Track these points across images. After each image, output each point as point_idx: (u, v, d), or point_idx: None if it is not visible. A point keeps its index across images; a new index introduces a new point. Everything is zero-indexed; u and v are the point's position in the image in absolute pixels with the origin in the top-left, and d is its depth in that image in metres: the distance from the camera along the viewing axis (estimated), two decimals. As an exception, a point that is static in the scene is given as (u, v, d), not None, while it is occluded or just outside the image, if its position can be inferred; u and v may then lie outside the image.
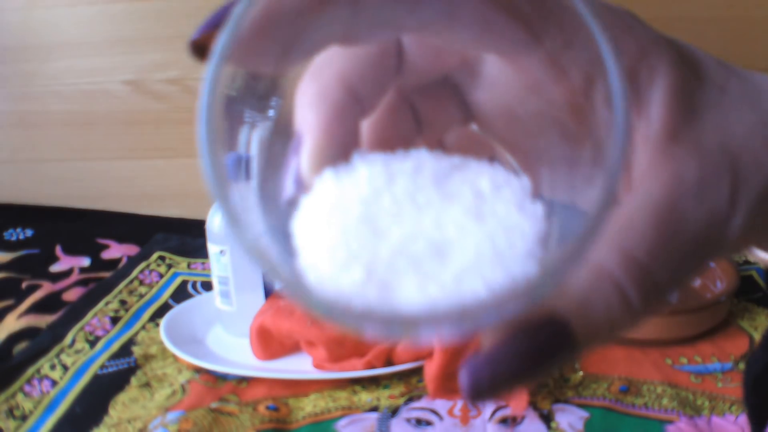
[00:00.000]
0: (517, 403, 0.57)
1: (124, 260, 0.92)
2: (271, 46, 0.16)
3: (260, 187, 0.18)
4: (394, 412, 0.58)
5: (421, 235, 0.15)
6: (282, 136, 0.18)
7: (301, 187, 0.18)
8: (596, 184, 0.15)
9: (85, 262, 0.92)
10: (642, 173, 0.18)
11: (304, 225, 0.16)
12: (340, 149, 0.18)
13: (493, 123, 0.21)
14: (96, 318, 0.75)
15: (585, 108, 0.17)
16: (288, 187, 0.18)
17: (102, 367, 0.66)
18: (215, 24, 0.16)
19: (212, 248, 0.68)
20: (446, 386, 0.59)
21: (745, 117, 0.19)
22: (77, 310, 0.77)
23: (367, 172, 0.16)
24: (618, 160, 0.14)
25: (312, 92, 0.18)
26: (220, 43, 0.14)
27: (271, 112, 0.18)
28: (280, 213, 0.17)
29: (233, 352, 0.67)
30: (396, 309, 0.14)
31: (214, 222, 0.68)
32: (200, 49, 0.17)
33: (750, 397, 0.36)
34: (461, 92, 0.21)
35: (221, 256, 0.68)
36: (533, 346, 0.16)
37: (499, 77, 0.20)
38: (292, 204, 0.17)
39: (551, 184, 0.19)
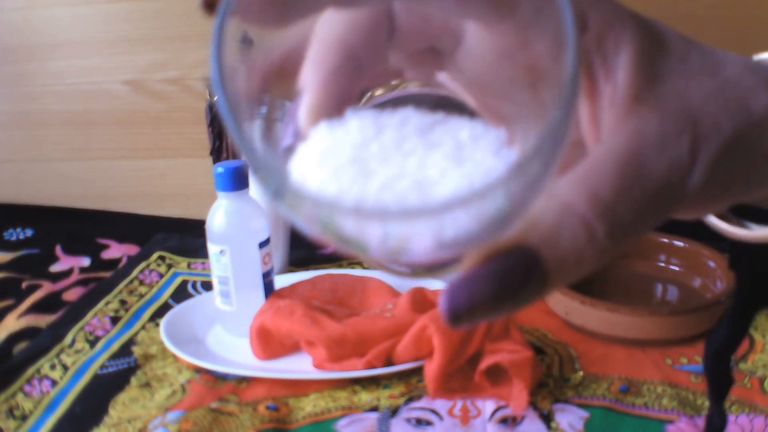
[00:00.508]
0: (517, 403, 0.57)
1: (124, 260, 0.92)
2: (272, 3, 0.18)
3: (263, 137, 0.20)
4: (394, 412, 0.58)
5: (405, 175, 0.17)
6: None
7: (299, 137, 0.19)
8: (561, 77, 0.16)
9: (85, 262, 0.92)
10: (608, 129, 0.20)
11: (298, 166, 0.18)
12: (336, 105, 0.20)
13: (469, 86, 0.23)
14: (96, 318, 0.75)
15: (552, 72, 0.18)
16: (287, 138, 0.19)
17: (102, 367, 0.66)
18: None
19: (212, 248, 0.68)
20: (446, 386, 0.59)
21: (705, 83, 0.20)
22: (77, 310, 0.77)
23: (358, 123, 0.18)
24: (575, 62, 0.16)
25: (314, 54, 0.20)
26: None
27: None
28: (279, 159, 0.19)
29: (233, 352, 0.67)
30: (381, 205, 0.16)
31: (214, 222, 0.68)
32: (210, 5, 0.19)
33: (710, 372, 0.37)
34: (443, 57, 0.23)
35: (221, 256, 0.68)
36: (505, 269, 0.17)
37: (478, 43, 0.21)
38: (290, 151, 0.18)
39: (523, 140, 0.21)
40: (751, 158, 0.21)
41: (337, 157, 0.17)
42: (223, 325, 0.71)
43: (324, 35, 0.20)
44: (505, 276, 0.17)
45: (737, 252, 0.31)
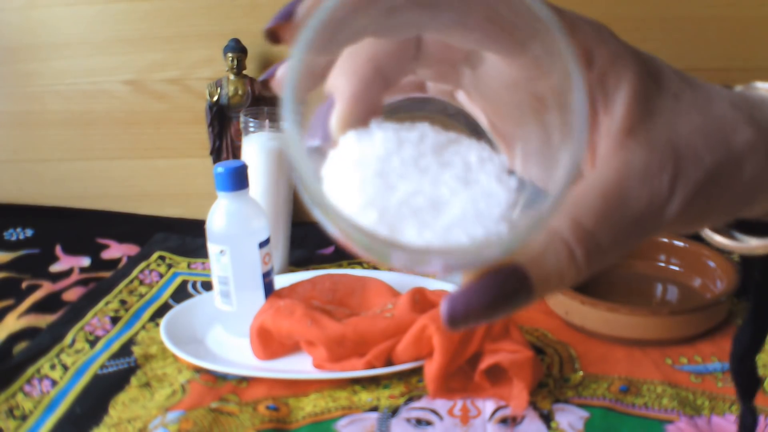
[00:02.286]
0: (517, 403, 0.57)
1: (124, 260, 0.92)
2: (330, 35, 0.21)
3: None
4: (394, 412, 0.58)
5: (421, 191, 0.20)
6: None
7: (328, 140, 0.22)
8: (560, 167, 0.19)
9: (85, 262, 0.92)
10: (601, 157, 0.23)
11: (332, 173, 0.20)
12: (364, 116, 0.22)
13: (481, 102, 0.26)
14: (96, 318, 0.75)
15: (559, 104, 0.21)
16: (314, 137, 0.22)
17: (102, 367, 0.66)
18: (286, 16, 0.22)
19: (212, 248, 0.69)
20: (446, 386, 0.59)
21: (693, 120, 0.23)
22: (77, 310, 0.77)
23: (382, 136, 0.21)
24: (577, 154, 0.19)
25: (346, 66, 0.23)
26: (306, 34, 0.19)
27: None
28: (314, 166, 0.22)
29: (233, 352, 0.67)
30: (402, 241, 0.19)
31: (214, 222, 0.68)
32: (274, 36, 0.22)
33: (736, 374, 0.39)
34: (462, 75, 0.25)
35: (221, 256, 0.68)
36: (498, 285, 0.21)
37: (495, 70, 0.24)
38: (318, 152, 0.21)
39: (523, 160, 0.24)
40: (728, 188, 0.23)
41: (364, 169, 0.20)
42: (223, 325, 0.71)
43: (356, 50, 0.23)
44: (497, 289, 0.21)
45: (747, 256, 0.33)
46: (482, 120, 0.26)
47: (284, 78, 0.19)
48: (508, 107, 0.25)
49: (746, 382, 0.39)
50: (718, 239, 0.30)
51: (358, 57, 0.23)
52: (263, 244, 0.69)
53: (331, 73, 0.23)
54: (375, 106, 0.23)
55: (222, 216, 0.68)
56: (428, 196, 0.20)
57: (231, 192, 0.68)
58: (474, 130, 0.25)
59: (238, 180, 0.68)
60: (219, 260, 0.68)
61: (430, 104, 0.26)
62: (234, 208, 0.68)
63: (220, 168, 0.68)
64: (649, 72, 0.23)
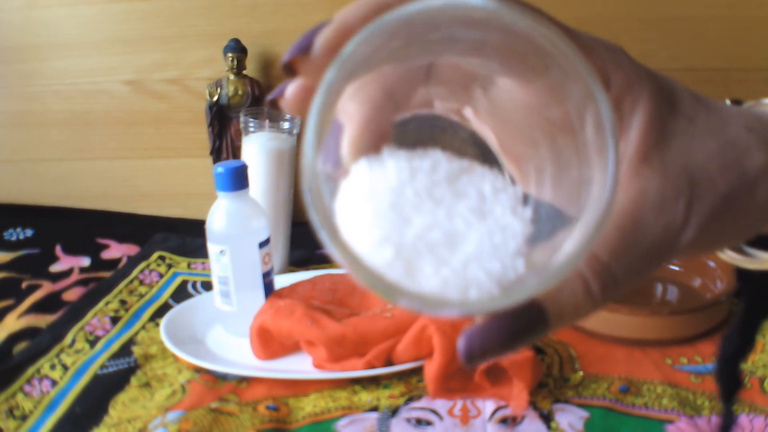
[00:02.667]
0: (517, 403, 0.57)
1: (124, 260, 0.92)
2: (350, 70, 0.21)
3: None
4: (394, 412, 0.58)
5: (436, 225, 0.20)
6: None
7: (339, 166, 0.22)
8: (592, 206, 0.19)
9: (85, 262, 0.92)
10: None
11: (344, 206, 0.20)
12: (375, 142, 0.22)
13: (492, 125, 0.25)
14: (96, 318, 0.75)
15: (575, 128, 0.21)
16: (324, 163, 0.22)
17: (102, 367, 0.66)
18: (303, 49, 0.21)
19: (212, 248, 0.69)
20: (446, 386, 0.59)
21: (707, 144, 0.23)
22: (77, 310, 0.77)
23: (395, 165, 0.21)
24: (606, 204, 0.18)
25: (357, 91, 0.23)
26: (331, 76, 0.19)
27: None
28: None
29: (233, 352, 0.67)
30: (419, 290, 0.19)
31: (214, 222, 0.68)
32: (291, 69, 0.22)
33: (722, 376, 0.40)
34: (471, 95, 0.25)
35: (221, 256, 0.68)
36: (515, 322, 0.21)
37: (507, 93, 0.24)
38: (329, 179, 0.21)
39: (537, 183, 0.24)
40: (741, 212, 0.24)
41: (378, 201, 0.20)
42: (223, 325, 0.71)
43: (368, 75, 0.23)
44: (514, 326, 0.21)
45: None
46: (491, 138, 0.25)
47: (309, 121, 0.18)
48: (519, 129, 0.24)
49: (730, 385, 0.40)
50: (729, 254, 0.31)
51: (369, 82, 0.23)
52: (263, 244, 0.69)
53: (343, 101, 0.23)
54: (386, 131, 0.23)
55: (222, 216, 0.68)
56: (444, 229, 0.20)
57: (231, 192, 0.68)
58: (484, 153, 0.25)
59: (238, 180, 0.68)
60: (219, 260, 0.68)
61: (438, 122, 0.25)
62: (234, 208, 0.68)
63: (220, 168, 0.68)
64: (664, 95, 0.23)
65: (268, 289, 0.70)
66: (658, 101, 0.23)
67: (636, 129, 0.23)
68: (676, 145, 0.23)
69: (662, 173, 0.22)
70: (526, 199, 0.21)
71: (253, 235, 0.69)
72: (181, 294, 0.81)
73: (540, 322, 0.21)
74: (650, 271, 0.22)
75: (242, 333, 0.68)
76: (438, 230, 0.20)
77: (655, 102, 0.23)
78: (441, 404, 0.58)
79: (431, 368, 0.59)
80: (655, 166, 0.23)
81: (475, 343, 0.21)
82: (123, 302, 0.79)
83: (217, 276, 0.69)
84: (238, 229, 0.68)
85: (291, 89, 0.22)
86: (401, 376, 0.63)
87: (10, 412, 0.59)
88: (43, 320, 0.76)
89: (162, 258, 0.90)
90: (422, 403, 0.59)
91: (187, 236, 0.97)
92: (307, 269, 0.85)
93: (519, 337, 0.21)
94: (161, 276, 0.86)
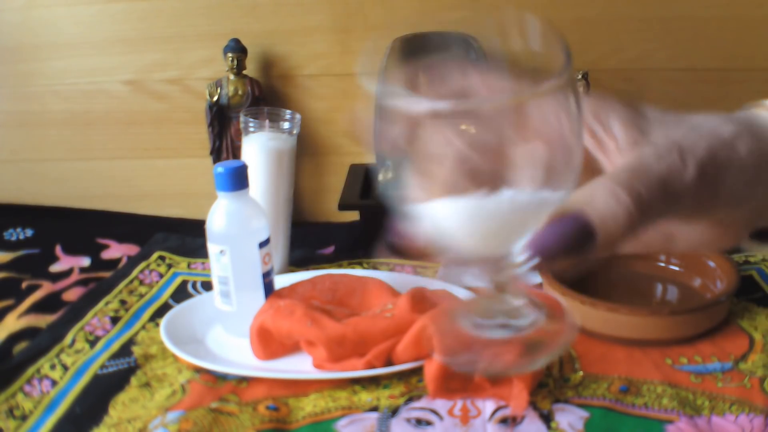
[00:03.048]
0: (518, 403, 0.57)
1: (124, 260, 0.92)
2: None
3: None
4: (394, 412, 0.58)
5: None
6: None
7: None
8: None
9: (85, 262, 0.92)
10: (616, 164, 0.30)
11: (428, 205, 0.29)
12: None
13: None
14: (96, 318, 0.75)
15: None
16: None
17: (102, 367, 0.66)
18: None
19: (212, 248, 0.69)
20: (446, 386, 0.59)
21: (681, 129, 0.29)
22: (77, 310, 0.77)
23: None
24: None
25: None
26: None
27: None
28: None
29: (233, 352, 0.67)
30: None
31: (214, 222, 0.68)
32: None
33: None
34: None
35: (221, 256, 0.68)
36: (567, 225, 0.26)
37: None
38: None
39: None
40: (726, 170, 0.28)
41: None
42: (223, 325, 0.71)
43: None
44: (567, 230, 0.26)
45: None
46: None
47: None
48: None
49: None
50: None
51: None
52: (263, 244, 0.69)
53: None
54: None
55: (222, 216, 0.68)
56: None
57: (231, 192, 0.68)
58: None
59: (238, 180, 0.68)
60: (219, 260, 0.68)
61: None
62: (234, 208, 0.68)
63: (220, 168, 0.68)
64: (631, 106, 0.30)
65: (268, 289, 0.70)
66: (627, 109, 0.30)
67: (617, 127, 0.30)
68: (657, 133, 0.29)
69: (653, 144, 0.28)
70: None
71: (253, 235, 0.69)
72: (181, 294, 0.81)
73: (586, 226, 0.26)
74: (667, 201, 0.27)
75: (242, 333, 0.68)
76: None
77: (624, 109, 0.30)
78: (441, 404, 0.58)
79: (431, 368, 0.59)
80: (644, 143, 0.29)
81: (536, 244, 0.26)
82: (123, 302, 0.79)
83: (217, 276, 0.69)
84: (238, 229, 0.68)
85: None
86: (401, 376, 0.63)
87: (10, 412, 0.59)
88: (43, 320, 0.76)
89: (162, 258, 0.90)
90: (422, 403, 0.59)
91: (187, 236, 0.97)
92: (307, 269, 0.85)
93: (571, 239, 0.26)
94: (161, 276, 0.86)
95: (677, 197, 0.27)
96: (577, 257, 0.26)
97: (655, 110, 0.30)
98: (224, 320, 0.71)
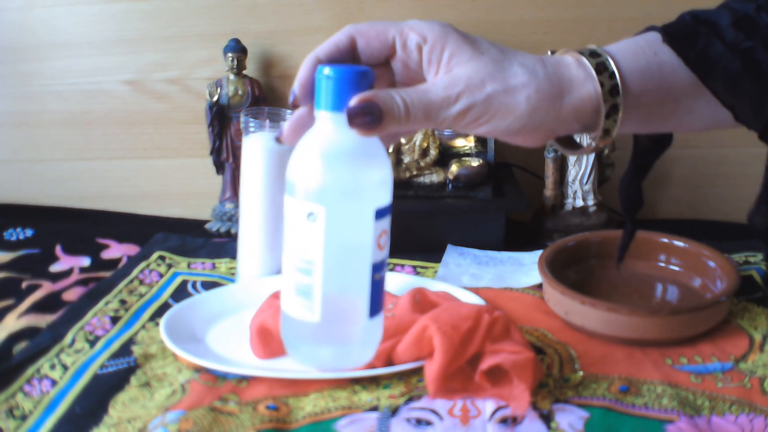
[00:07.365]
0: (519, 403, 0.57)
1: (124, 260, 0.92)
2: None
3: None
4: (394, 412, 0.58)
5: None
6: None
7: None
8: None
9: (85, 261, 0.92)
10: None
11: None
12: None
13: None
14: (96, 318, 0.75)
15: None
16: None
17: (102, 366, 0.66)
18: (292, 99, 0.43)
19: (293, 208, 0.41)
20: (446, 386, 0.59)
21: (488, 67, 0.42)
22: (77, 310, 0.77)
23: None
24: None
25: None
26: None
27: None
28: None
29: (233, 351, 0.67)
30: None
31: (304, 163, 0.41)
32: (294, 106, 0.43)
33: (623, 198, 0.57)
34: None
35: (309, 222, 0.40)
36: (366, 100, 0.40)
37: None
38: None
39: None
40: (494, 115, 0.42)
41: None
42: (288, 344, 0.44)
43: None
44: (364, 101, 0.39)
45: None
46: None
47: None
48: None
49: (631, 204, 0.57)
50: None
51: None
52: (382, 214, 0.41)
53: None
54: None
55: (323, 153, 0.40)
56: None
57: (343, 112, 0.40)
58: None
59: (358, 93, 0.40)
60: (302, 230, 0.40)
61: None
62: (348, 142, 0.40)
63: (328, 70, 0.40)
64: (465, 40, 0.42)
65: (376, 290, 0.42)
66: (459, 43, 0.42)
67: (445, 59, 0.42)
68: (465, 67, 0.41)
69: (451, 75, 0.41)
70: None
71: (370, 194, 0.41)
72: (181, 294, 0.81)
73: (375, 103, 0.39)
74: (430, 120, 0.41)
75: (331, 362, 0.43)
76: None
77: (456, 43, 0.42)
78: (441, 404, 0.58)
79: (431, 368, 0.59)
80: (443, 73, 0.42)
81: (351, 108, 0.39)
82: (123, 302, 0.79)
83: (296, 259, 0.41)
84: (348, 179, 0.40)
85: (287, 126, 0.44)
86: (401, 376, 0.63)
87: (10, 412, 0.59)
88: (43, 320, 0.76)
89: (162, 258, 0.90)
90: (422, 403, 0.59)
91: (187, 236, 0.97)
92: (307, 269, 0.85)
93: (368, 108, 0.39)
94: (161, 276, 0.86)
95: (436, 119, 0.41)
96: (374, 124, 0.39)
97: (490, 44, 0.43)
98: (293, 335, 0.43)
